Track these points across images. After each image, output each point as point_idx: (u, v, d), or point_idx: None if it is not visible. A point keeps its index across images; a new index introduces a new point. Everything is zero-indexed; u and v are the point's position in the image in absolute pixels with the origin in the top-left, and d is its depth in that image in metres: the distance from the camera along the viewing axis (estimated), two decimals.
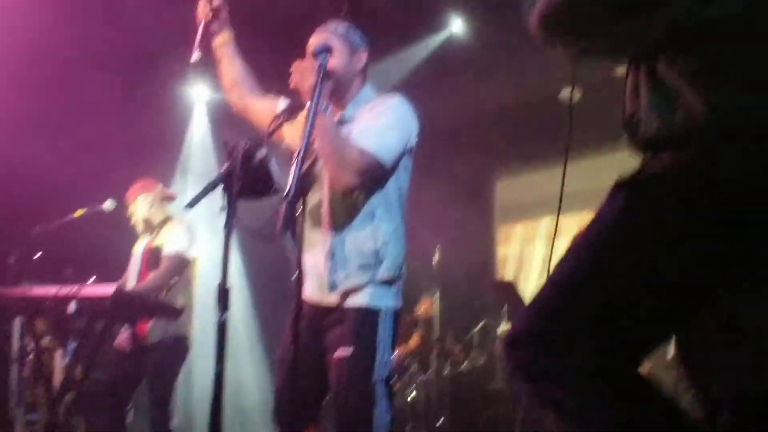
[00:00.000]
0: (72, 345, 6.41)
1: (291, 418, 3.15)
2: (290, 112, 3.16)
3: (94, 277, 5.76)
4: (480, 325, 7.81)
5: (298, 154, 2.74)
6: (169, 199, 6.32)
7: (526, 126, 8.80)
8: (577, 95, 8.26)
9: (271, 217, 2.95)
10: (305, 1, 6.62)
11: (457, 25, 8.04)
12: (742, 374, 1.93)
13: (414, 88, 7.90)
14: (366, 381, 3.16)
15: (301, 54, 3.39)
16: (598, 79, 8.24)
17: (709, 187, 1.79)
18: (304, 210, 3.10)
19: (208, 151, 9.48)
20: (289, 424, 3.19)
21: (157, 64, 7.59)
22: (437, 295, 7.36)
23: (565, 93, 8.49)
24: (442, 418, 7.06)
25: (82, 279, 4.85)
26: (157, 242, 6.07)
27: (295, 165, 2.72)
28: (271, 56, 7.06)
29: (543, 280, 2.01)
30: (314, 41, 3.38)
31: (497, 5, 7.06)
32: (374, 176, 3.23)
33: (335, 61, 3.31)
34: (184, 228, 6.04)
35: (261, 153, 2.92)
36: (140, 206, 6.16)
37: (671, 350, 5.11)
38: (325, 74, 3.05)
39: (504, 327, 7.44)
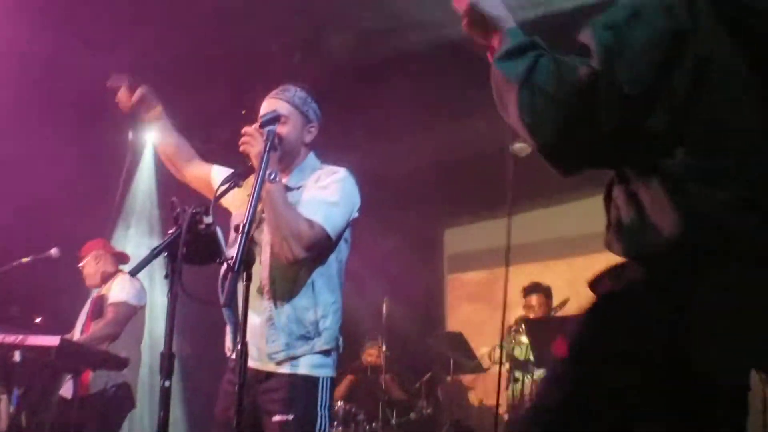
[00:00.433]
0: (17, 392, 6.35)
1: None
2: (237, 178, 3.15)
3: (39, 318, 5.74)
4: (427, 375, 7.83)
5: (244, 224, 2.74)
6: (120, 258, 6.39)
7: (475, 176, 8.88)
8: (527, 149, 8.37)
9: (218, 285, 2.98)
10: (258, 45, 6.67)
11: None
12: None
13: (363, 135, 7.98)
14: None
15: (253, 98, 3.41)
16: None
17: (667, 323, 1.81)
18: (246, 278, 3.09)
19: (153, 202, 9.36)
20: None
21: (103, 113, 7.57)
22: (384, 344, 7.37)
23: (515, 145, 8.65)
24: None
25: (28, 320, 4.84)
26: (103, 292, 6.12)
27: (240, 235, 2.71)
28: (226, 96, 7.14)
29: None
30: (266, 108, 3.39)
31: (450, 59, 7.15)
32: (321, 249, 3.25)
33: (286, 130, 3.34)
34: (130, 279, 6.05)
35: (207, 220, 2.92)
36: (91, 263, 6.27)
37: None
38: (272, 144, 3.07)
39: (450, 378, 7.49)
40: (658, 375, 1.82)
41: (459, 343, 7.62)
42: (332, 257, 3.37)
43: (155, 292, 7.20)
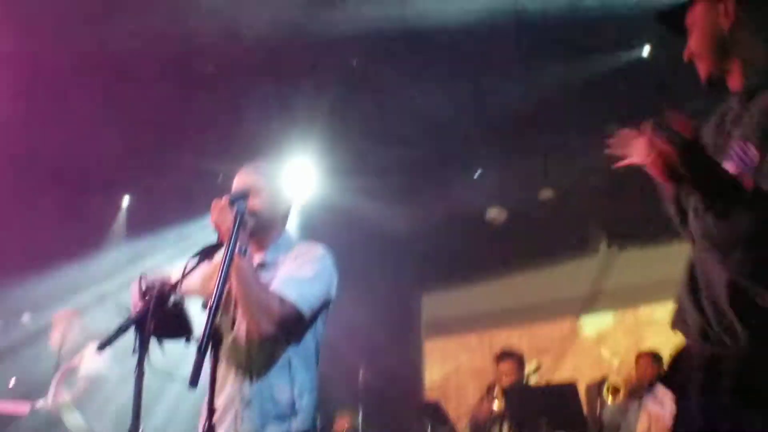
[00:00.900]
0: None
1: None
2: (207, 253, 3.11)
3: (14, 378, 5.69)
4: None
5: (212, 302, 2.68)
6: (89, 332, 6.36)
7: (452, 242, 8.93)
8: (503, 216, 8.40)
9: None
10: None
11: None
12: None
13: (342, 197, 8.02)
14: None
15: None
16: (523, 201, 8.55)
17: None
18: (219, 356, 3.01)
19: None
20: None
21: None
22: (361, 412, 7.31)
23: (490, 213, 8.74)
24: None
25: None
26: (74, 363, 6.06)
27: (208, 314, 2.65)
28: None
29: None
30: (238, 182, 3.37)
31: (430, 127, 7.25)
32: (292, 326, 3.18)
33: (260, 203, 3.30)
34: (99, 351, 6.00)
35: (175, 296, 2.89)
36: (62, 334, 6.20)
37: None
38: (242, 221, 3.02)
39: None
40: None
41: (436, 412, 7.55)
42: (309, 336, 3.29)
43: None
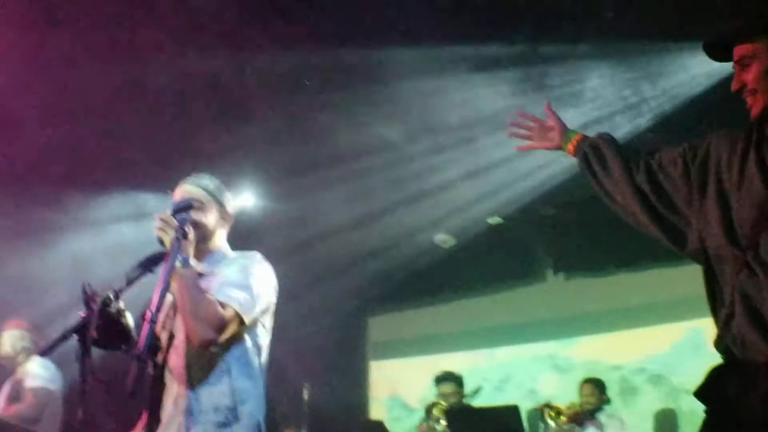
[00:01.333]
0: None
1: None
2: (150, 264, 3.15)
3: None
4: None
5: (152, 311, 2.72)
6: (35, 339, 6.31)
7: (400, 265, 8.99)
8: (452, 242, 8.51)
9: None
10: None
11: None
12: None
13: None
14: None
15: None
16: (469, 226, 8.65)
17: None
18: (159, 365, 3.03)
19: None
20: None
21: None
22: None
23: (439, 237, 8.83)
24: None
25: None
26: (19, 376, 6.02)
27: (148, 322, 2.70)
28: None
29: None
30: (180, 194, 3.40)
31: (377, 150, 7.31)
32: (233, 331, 3.18)
33: (203, 216, 3.35)
34: (44, 362, 5.98)
35: (119, 304, 2.93)
36: (6, 343, 6.15)
37: None
38: (184, 232, 3.08)
39: None
40: None
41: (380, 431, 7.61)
42: (249, 342, 3.29)
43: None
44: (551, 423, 7.12)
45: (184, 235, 3.08)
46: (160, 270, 3.01)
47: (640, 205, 2.72)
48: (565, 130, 3.04)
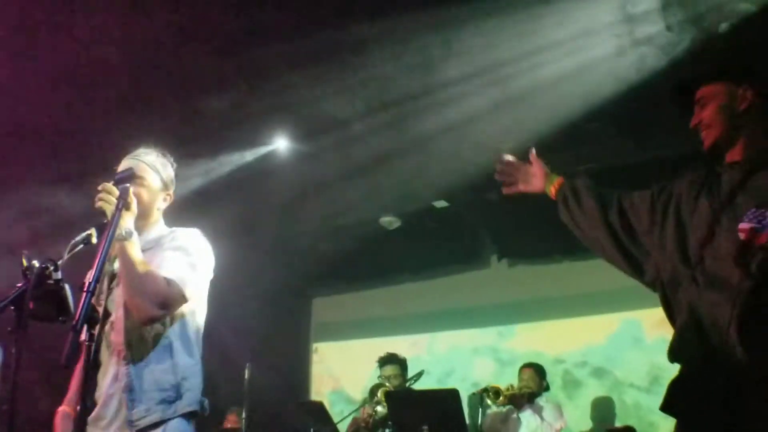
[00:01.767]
0: None
1: None
2: (91, 235, 3.08)
3: None
4: None
5: (90, 281, 2.68)
6: None
7: (345, 247, 8.99)
8: (397, 223, 8.50)
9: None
10: None
11: (282, 143, 8.05)
12: None
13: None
14: None
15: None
16: (415, 208, 8.67)
17: None
18: (99, 339, 2.98)
19: None
20: None
21: None
22: (245, 411, 7.28)
23: (384, 219, 8.84)
24: None
25: None
26: None
27: (85, 293, 2.65)
28: None
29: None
30: (124, 167, 3.35)
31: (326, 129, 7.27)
32: (176, 308, 3.18)
33: (143, 192, 3.32)
34: None
35: (56, 275, 2.87)
36: None
37: None
38: (126, 202, 3.04)
39: None
40: None
41: (320, 412, 7.58)
42: (189, 318, 3.29)
43: None
44: (490, 404, 7.19)
45: (126, 206, 3.04)
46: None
47: (610, 240, 3.09)
48: (547, 175, 3.39)
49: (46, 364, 2.77)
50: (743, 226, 2.66)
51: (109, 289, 3.26)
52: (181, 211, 3.61)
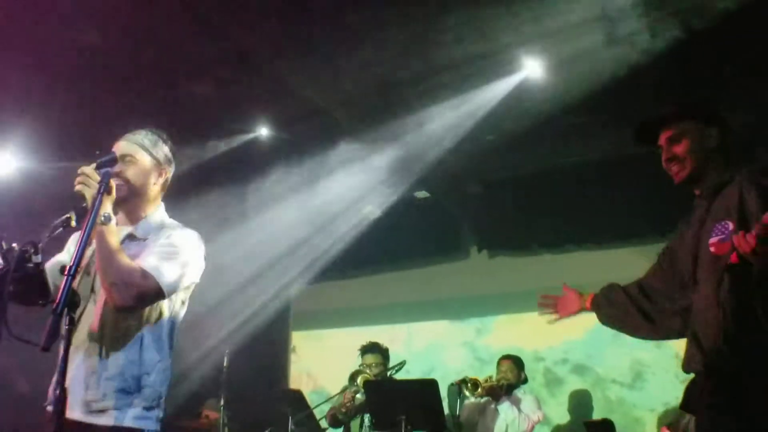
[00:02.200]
0: None
1: None
2: (71, 219, 3.06)
3: None
4: None
5: (71, 266, 2.66)
6: None
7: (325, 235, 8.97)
8: (377, 213, 8.49)
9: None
10: None
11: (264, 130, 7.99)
12: None
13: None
14: None
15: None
16: (397, 199, 8.67)
17: None
18: (74, 323, 2.96)
19: None
20: None
21: None
22: (223, 398, 7.27)
23: (366, 210, 8.83)
24: None
25: None
26: None
27: (66, 277, 2.63)
28: None
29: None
30: (114, 150, 3.29)
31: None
32: (152, 301, 3.16)
33: (132, 172, 3.29)
34: None
35: (36, 259, 2.86)
36: None
37: None
38: (107, 186, 3.01)
39: None
40: None
41: (298, 401, 7.59)
42: (166, 317, 3.28)
43: None
44: (468, 395, 7.21)
45: (108, 190, 3.01)
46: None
47: (633, 308, 3.56)
48: (580, 296, 3.90)
49: (24, 348, 2.73)
50: (712, 241, 3.04)
51: (93, 273, 3.23)
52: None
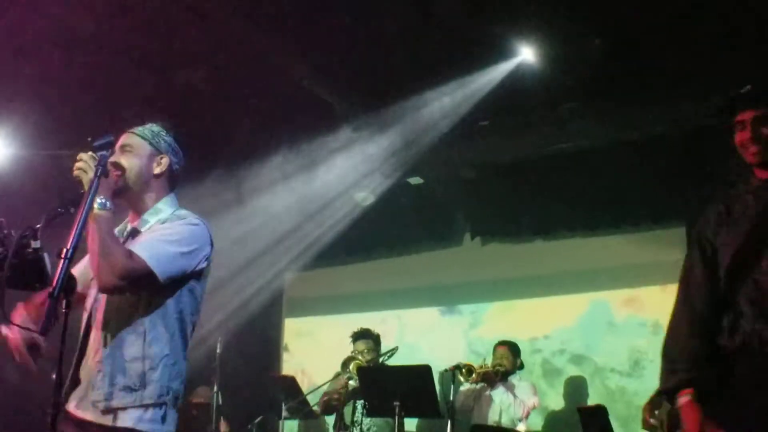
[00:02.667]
0: None
1: None
2: (70, 204, 3.03)
3: None
4: (258, 419, 7.74)
5: (67, 249, 2.65)
6: None
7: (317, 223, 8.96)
8: (370, 199, 8.48)
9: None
10: None
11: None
12: None
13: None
14: None
15: None
16: (391, 185, 8.65)
17: None
18: (71, 307, 2.91)
19: None
20: None
21: None
22: (216, 384, 7.26)
23: (359, 195, 8.81)
24: None
25: None
26: None
27: (62, 260, 2.62)
28: None
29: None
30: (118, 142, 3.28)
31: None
32: (142, 284, 3.09)
33: (130, 160, 3.26)
34: None
35: (35, 244, 2.84)
36: None
37: None
38: (104, 170, 2.98)
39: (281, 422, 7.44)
40: None
41: (291, 387, 7.59)
42: (171, 306, 3.20)
43: None
44: (463, 381, 7.21)
45: (105, 174, 2.99)
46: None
47: None
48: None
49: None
50: None
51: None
52: None
